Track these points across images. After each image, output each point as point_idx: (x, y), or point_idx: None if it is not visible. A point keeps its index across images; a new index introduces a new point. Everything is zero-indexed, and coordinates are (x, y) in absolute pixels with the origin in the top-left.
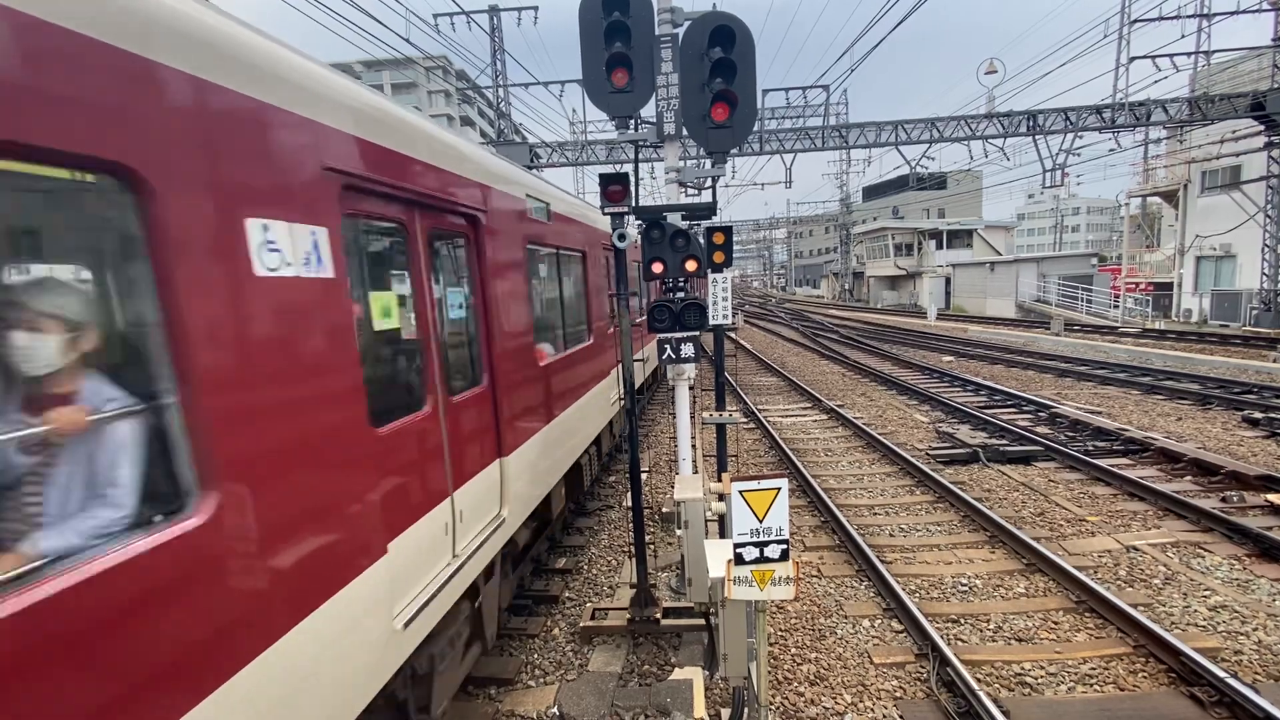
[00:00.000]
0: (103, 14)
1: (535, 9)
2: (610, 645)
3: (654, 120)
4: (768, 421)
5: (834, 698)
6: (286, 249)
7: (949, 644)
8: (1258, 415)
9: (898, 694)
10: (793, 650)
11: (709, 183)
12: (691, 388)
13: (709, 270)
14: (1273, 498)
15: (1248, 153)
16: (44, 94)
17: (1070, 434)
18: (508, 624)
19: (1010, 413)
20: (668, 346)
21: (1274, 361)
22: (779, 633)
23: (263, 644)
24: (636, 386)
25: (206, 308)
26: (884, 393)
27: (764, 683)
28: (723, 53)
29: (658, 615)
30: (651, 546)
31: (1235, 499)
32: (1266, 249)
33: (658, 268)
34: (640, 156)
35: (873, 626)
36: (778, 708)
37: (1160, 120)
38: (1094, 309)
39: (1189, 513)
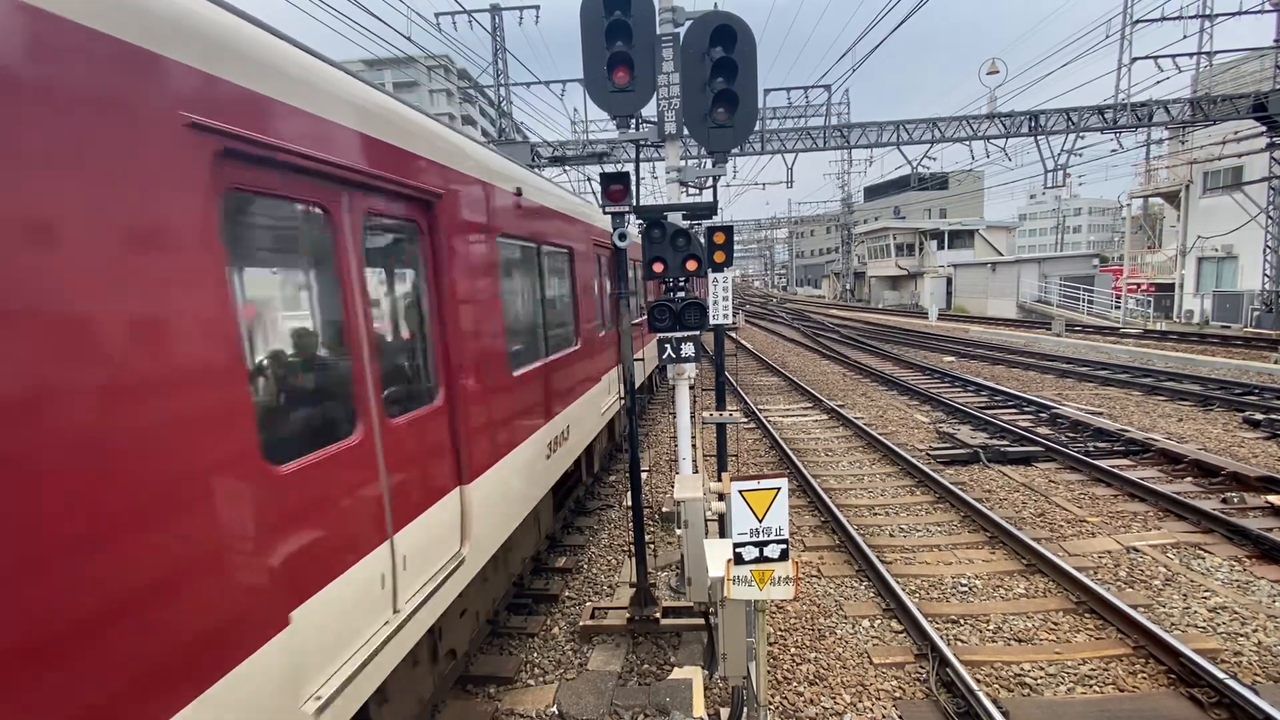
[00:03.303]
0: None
1: (537, 8)
2: (610, 644)
3: (655, 120)
4: (768, 421)
5: (833, 697)
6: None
7: (949, 644)
8: (1259, 416)
9: (897, 694)
10: (792, 650)
11: (710, 182)
12: (692, 387)
13: (710, 270)
14: (1273, 499)
15: (1250, 154)
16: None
17: (1071, 435)
18: (507, 622)
19: (1011, 413)
20: (668, 346)
21: (1275, 363)
22: (778, 632)
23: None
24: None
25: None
26: (885, 393)
27: (763, 682)
28: (724, 52)
29: (657, 615)
30: (651, 546)
31: (1236, 500)
32: (1268, 250)
33: (658, 267)
34: (641, 156)
35: (872, 626)
36: (777, 707)
37: (1162, 121)
38: (1095, 310)
39: (1189, 514)
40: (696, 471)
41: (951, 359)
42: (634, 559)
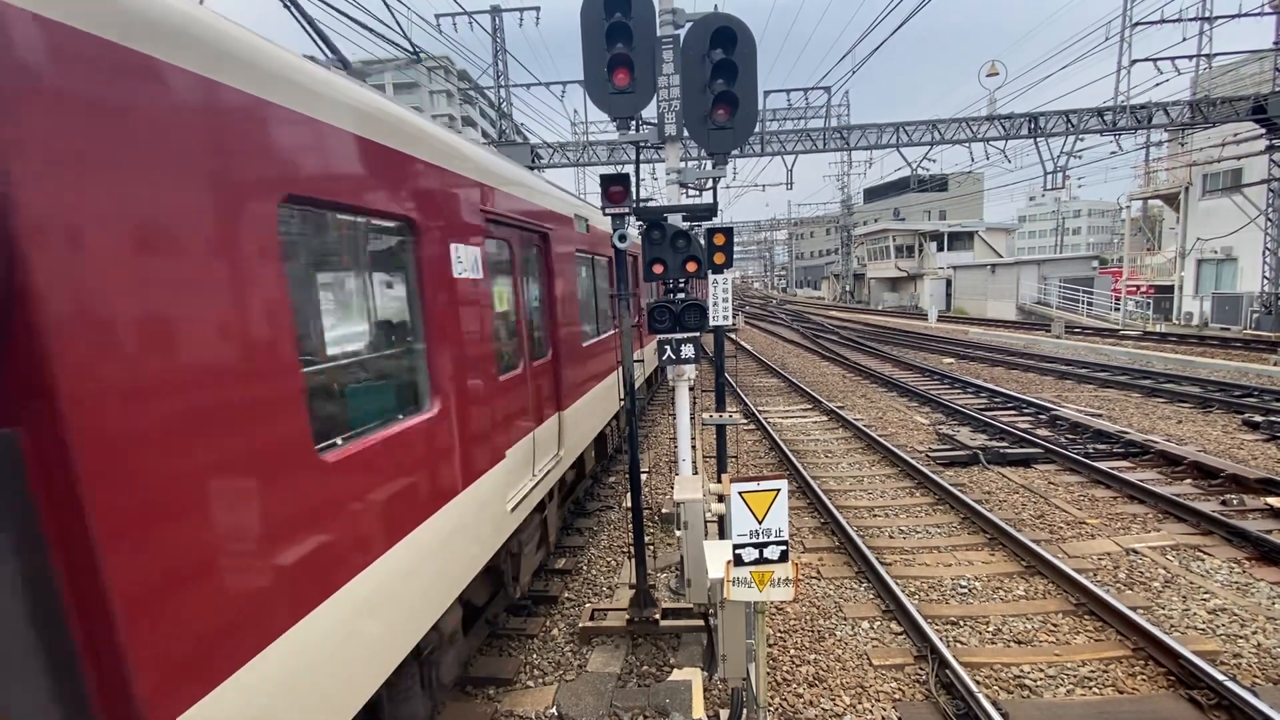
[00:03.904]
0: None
1: (537, 9)
2: (609, 646)
3: (655, 121)
4: (768, 423)
5: (833, 699)
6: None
7: (948, 646)
8: (1258, 418)
9: (896, 696)
10: (792, 651)
11: (710, 184)
12: (691, 389)
13: (709, 271)
14: (1273, 501)
15: (1249, 156)
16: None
17: (1070, 436)
18: (506, 624)
19: (1010, 415)
20: (668, 347)
21: (1274, 365)
22: (778, 634)
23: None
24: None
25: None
26: (884, 394)
27: (763, 684)
28: (724, 54)
29: (657, 616)
30: (651, 547)
31: (1235, 502)
32: (1268, 252)
33: (659, 269)
34: (641, 157)
35: (872, 628)
36: (776, 709)
37: (1161, 123)
38: (1095, 311)
39: (1189, 516)
40: (696, 473)
41: (951, 361)
42: (633, 560)
